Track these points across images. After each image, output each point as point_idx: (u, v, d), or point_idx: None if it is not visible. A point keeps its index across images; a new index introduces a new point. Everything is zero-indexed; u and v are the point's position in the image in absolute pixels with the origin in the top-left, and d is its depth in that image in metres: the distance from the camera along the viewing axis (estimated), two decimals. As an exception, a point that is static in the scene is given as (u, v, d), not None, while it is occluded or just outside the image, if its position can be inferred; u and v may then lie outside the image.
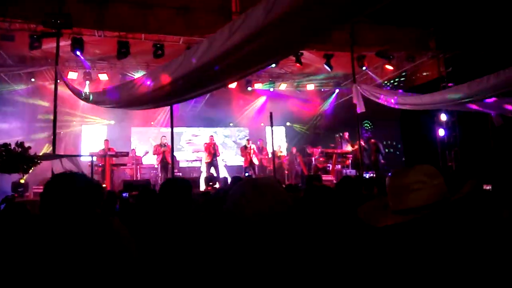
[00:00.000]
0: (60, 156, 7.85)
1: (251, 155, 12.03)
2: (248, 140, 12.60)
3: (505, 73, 6.86)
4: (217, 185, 10.06)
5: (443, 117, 11.30)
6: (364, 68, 11.30)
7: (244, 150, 12.17)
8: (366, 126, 11.80)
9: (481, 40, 10.13)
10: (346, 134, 12.25)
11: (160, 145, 11.50)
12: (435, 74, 11.24)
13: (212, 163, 11.51)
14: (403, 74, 12.08)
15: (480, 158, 10.15)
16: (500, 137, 9.80)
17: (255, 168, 12.07)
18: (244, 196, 1.22)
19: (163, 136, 11.59)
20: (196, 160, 13.03)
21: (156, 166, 11.59)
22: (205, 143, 11.81)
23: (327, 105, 14.59)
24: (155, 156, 11.48)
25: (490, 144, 10.07)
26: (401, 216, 1.28)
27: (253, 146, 12.32)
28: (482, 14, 9.71)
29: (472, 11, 9.88)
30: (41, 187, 9.22)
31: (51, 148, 7.76)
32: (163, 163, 11.24)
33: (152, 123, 13.71)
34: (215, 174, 11.29)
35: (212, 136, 12.10)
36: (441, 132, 11.34)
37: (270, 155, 13.24)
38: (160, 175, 11.32)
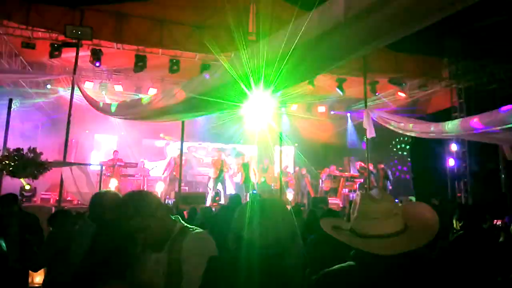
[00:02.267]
0: (70, 164, 7.96)
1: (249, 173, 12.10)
2: (242, 157, 12.67)
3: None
4: (222, 201, 10.07)
5: (454, 147, 11.24)
6: (376, 94, 11.35)
7: (242, 166, 12.25)
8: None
9: (493, 73, 10.15)
10: (358, 162, 12.18)
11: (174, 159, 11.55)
12: (447, 103, 11.25)
13: (219, 178, 11.53)
14: (415, 101, 12.11)
15: (490, 191, 10.03)
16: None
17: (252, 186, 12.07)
18: (252, 219, 1.25)
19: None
20: (203, 175, 13.03)
21: (162, 177, 11.64)
22: (213, 159, 11.88)
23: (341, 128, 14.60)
24: (164, 167, 11.56)
25: (499, 177, 9.97)
26: (388, 239, 1.28)
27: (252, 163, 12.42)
28: (496, 47, 9.76)
29: (487, 43, 9.94)
30: (49, 193, 9.36)
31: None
32: (172, 176, 11.30)
33: (161, 135, 13.79)
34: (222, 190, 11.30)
35: (220, 152, 12.16)
36: (451, 162, 11.26)
37: (275, 174, 13.28)
38: (166, 187, 11.37)
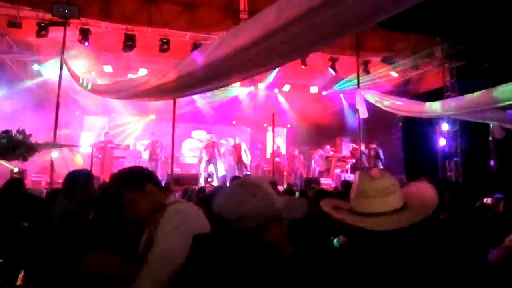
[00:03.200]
0: (60, 146, 7.88)
1: (241, 154, 12.16)
2: (235, 139, 12.79)
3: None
4: (215, 183, 10.10)
5: (445, 126, 11.33)
6: (369, 73, 11.32)
7: (235, 148, 12.28)
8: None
9: (486, 52, 10.14)
10: (350, 145, 12.24)
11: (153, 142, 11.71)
12: (440, 83, 11.27)
13: (210, 161, 11.56)
14: (408, 81, 12.11)
15: (480, 170, 10.18)
16: (502, 149, 9.83)
17: (245, 167, 12.15)
18: (232, 196, 1.24)
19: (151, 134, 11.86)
20: (195, 157, 13.04)
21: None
22: (204, 142, 11.89)
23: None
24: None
25: (489, 156, 10.10)
26: (380, 218, 1.28)
27: (243, 145, 12.48)
28: (489, 27, 9.73)
29: (480, 23, 9.89)
30: (40, 175, 9.28)
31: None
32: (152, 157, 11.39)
33: (152, 117, 13.73)
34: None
35: (212, 135, 12.17)
36: (442, 141, 11.36)
37: (268, 155, 13.35)
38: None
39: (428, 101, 9.25)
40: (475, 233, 2.62)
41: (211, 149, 11.62)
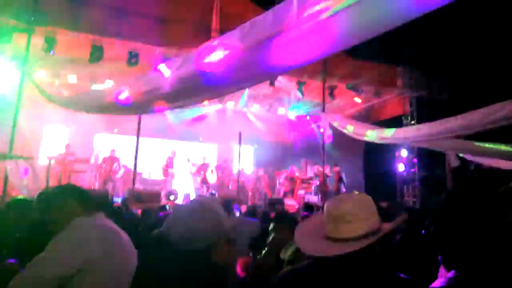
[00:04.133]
0: (16, 158, 7.53)
1: (206, 174, 12.19)
2: (203, 158, 12.83)
3: (463, 118, 7.28)
4: (178, 200, 9.94)
5: (404, 153, 11.78)
6: (334, 98, 11.64)
7: (201, 167, 12.31)
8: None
9: (446, 84, 10.74)
10: (316, 166, 12.43)
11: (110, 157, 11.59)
12: (400, 111, 11.75)
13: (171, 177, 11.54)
14: (370, 108, 12.55)
15: (436, 196, 10.60)
16: (457, 177, 10.29)
17: (208, 187, 12.16)
18: (180, 217, 1.28)
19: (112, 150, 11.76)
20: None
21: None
22: (168, 157, 11.78)
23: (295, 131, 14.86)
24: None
25: (446, 182, 10.55)
26: (335, 244, 1.34)
27: (211, 165, 12.74)
28: (448, 59, 10.35)
29: (440, 56, 10.51)
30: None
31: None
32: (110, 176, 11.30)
33: (115, 130, 13.47)
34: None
35: (174, 151, 12.12)
36: (401, 167, 11.79)
37: (233, 174, 13.33)
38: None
39: (388, 127, 9.61)
40: (424, 258, 2.73)
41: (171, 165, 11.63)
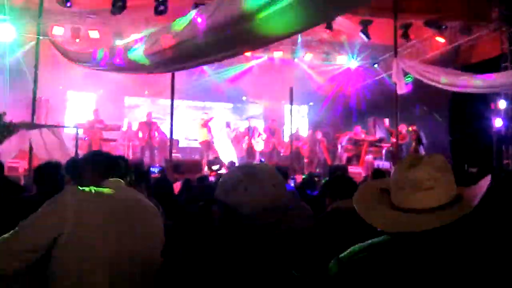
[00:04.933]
0: (40, 126, 8.03)
1: (251, 140, 12.33)
2: (249, 119, 13.11)
3: None
4: (223, 170, 10.20)
5: (502, 104, 11.12)
6: (409, 39, 11.17)
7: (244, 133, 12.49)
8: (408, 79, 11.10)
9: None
10: (386, 121, 12.14)
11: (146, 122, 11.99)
12: (496, 51, 11.03)
13: (208, 142, 11.91)
14: (457, 49, 11.91)
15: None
16: None
17: (255, 156, 12.33)
18: (237, 185, 1.27)
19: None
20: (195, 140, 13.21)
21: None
22: (202, 119, 12.09)
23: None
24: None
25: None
26: (418, 216, 1.29)
27: (258, 127, 12.84)
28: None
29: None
30: (17, 160, 9.53)
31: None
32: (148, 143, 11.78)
33: (146, 92, 13.91)
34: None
35: (207, 113, 12.46)
36: (498, 122, 11.17)
37: (286, 139, 13.37)
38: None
39: (481, 73, 9.07)
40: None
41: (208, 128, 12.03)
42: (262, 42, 6.46)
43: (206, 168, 10.16)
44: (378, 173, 6.33)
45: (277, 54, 13.38)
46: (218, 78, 13.93)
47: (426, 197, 1.30)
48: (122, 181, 1.98)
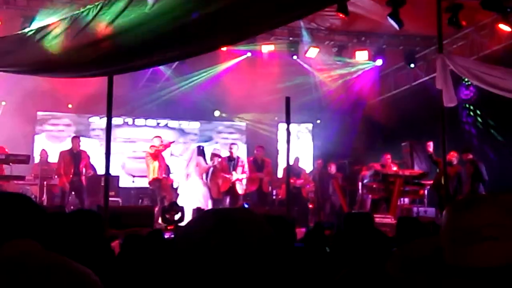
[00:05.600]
0: None
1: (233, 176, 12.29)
2: (231, 145, 12.88)
3: None
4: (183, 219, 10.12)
5: None
6: (460, 28, 11.31)
7: (220, 165, 12.35)
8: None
9: None
10: (430, 145, 12.20)
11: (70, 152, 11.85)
12: None
13: (160, 181, 11.87)
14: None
15: None
16: None
17: (237, 198, 12.26)
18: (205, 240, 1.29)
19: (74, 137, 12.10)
20: (144, 176, 13.18)
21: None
22: (153, 147, 11.98)
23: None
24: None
25: None
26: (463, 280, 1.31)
27: (242, 158, 12.75)
28: None
29: None
30: None
31: None
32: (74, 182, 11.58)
33: (69, 106, 13.92)
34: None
35: (159, 136, 12.36)
36: None
37: (279, 174, 13.32)
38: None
39: None
40: None
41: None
42: (243, 31, 6.51)
43: (160, 220, 10.05)
44: (417, 226, 6.28)
45: (267, 49, 13.45)
46: (181, 86, 14.04)
47: (486, 252, 1.31)
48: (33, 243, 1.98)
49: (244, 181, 12.53)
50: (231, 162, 12.38)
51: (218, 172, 12.43)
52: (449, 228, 1.38)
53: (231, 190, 12.28)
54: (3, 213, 2.00)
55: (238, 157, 12.59)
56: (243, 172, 12.38)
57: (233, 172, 12.23)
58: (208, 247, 1.27)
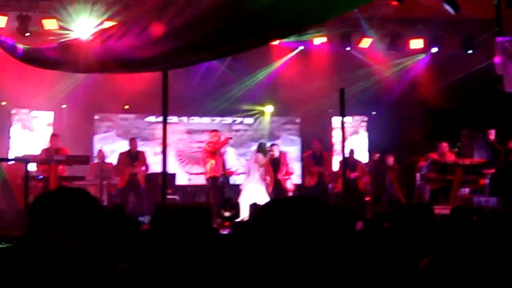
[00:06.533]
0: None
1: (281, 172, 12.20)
2: (272, 146, 12.82)
3: None
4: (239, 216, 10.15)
5: None
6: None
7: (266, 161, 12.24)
8: None
9: None
10: (492, 134, 11.91)
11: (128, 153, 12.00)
12: None
13: (217, 178, 11.84)
14: None
15: None
16: None
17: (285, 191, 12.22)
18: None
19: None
20: (200, 174, 13.23)
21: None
22: (210, 143, 11.96)
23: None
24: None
25: None
26: None
27: (285, 157, 12.75)
28: None
29: None
30: None
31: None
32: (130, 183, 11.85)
33: (126, 107, 14.16)
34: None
35: (217, 131, 12.37)
36: None
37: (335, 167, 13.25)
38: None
39: None
40: None
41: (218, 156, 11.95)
42: (295, 25, 6.56)
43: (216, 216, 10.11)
44: (478, 215, 6.12)
45: (318, 41, 13.38)
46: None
47: None
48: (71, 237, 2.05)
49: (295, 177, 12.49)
50: (274, 163, 12.28)
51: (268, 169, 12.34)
52: None
53: (278, 188, 12.19)
54: (61, 206, 2.08)
55: (280, 157, 12.47)
56: (287, 173, 12.35)
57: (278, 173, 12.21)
58: (275, 235, 1.28)
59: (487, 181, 11.94)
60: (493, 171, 11.81)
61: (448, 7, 10.70)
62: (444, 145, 12.30)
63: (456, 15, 11.12)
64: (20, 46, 8.15)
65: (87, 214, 2.12)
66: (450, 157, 12.10)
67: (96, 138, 14.48)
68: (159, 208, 9.25)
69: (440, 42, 13.63)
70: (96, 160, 12.33)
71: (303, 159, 14.28)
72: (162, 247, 4.73)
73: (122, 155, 12.13)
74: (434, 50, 13.82)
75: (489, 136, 11.97)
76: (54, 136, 11.70)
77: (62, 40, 8.94)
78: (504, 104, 8.79)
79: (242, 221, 8.99)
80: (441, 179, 11.84)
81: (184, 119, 15.11)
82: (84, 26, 11.17)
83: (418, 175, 12.58)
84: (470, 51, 13.58)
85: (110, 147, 13.55)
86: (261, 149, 12.28)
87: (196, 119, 15.26)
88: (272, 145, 12.95)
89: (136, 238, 4.03)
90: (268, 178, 12.12)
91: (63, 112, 13.66)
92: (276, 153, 12.48)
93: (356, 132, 15.72)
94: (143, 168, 12.00)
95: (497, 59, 8.99)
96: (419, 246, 3.27)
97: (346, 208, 6.11)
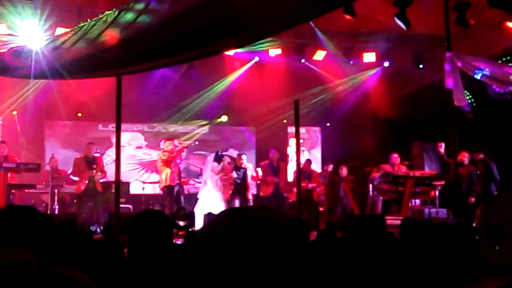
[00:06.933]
0: None
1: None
2: (239, 155, 12.82)
3: None
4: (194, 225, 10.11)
5: None
6: (467, 27, 11.26)
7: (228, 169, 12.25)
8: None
9: None
10: (442, 146, 12.13)
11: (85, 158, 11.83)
12: None
13: (173, 188, 11.78)
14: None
15: None
16: None
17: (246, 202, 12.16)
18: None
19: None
20: (155, 183, 13.18)
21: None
22: (166, 152, 11.89)
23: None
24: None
25: None
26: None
27: (248, 165, 12.80)
28: None
29: None
30: None
31: None
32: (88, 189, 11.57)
33: (79, 114, 14.00)
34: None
35: (172, 140, 12.38)
36: None
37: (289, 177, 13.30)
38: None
39: None
40: None
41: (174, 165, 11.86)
42: (249, 35, 6.57)
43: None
44: (429, 227, 6.25)
45: (274, 52, 13.47)
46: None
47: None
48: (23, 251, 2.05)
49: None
50: (239, 171, 12.31)
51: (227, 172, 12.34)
52: (479, 225, 1.41)
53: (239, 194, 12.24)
54: (8, 225, 2.09)
55: (246, 168, 12.51)
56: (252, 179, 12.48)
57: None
58: (228, 246, 1.26)
59: (437, 192, 12.18)
60: (443, 183, 12.07)
61: (399, 22, 10.91)
62: (395, 157, 12.49)
63: (407, 30, 11.35)
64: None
65: (36, 230, 2.14)
66: (401, 169, 12.28)
67: (48, 145, 14.23)
68: (112, 217, 9.20)
69: (392, 56, 13.85)
70: (47, 168, 12.09)
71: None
72: (115, 256, 4.70)
73: (78, 160, 11.86)
74: (386, 64, 14.04)
75: (439, 149, 12.22)
76: (1, 143, 11.44)
77: (12, 46, 8.80)
78: (452, 117, 8.95)
79: (194, 231, 8.96)
80: (393, 190, 11.99)
81: (139, 127, 15.00)
82: (35, 32, 11.01)
83: (370, 186, 12.71)
84: (421, 66, 13.86)
85: (62, 155, 13.30)
86: (217, 158, 12.24)
87: (151, 128, 15.14)
88: (240, 154, 12.96)
89: (88, 248, 3.99)
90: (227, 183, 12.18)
91: (13, 118, 13.38)
92: (243, 163, 12.55)
93: (312, 143, 15.82)
94: (100, 173, 11.80)
95: (446, 74, 9.16)
96: (371, 255, 3.30)
97: (299, 218, 6.15)
